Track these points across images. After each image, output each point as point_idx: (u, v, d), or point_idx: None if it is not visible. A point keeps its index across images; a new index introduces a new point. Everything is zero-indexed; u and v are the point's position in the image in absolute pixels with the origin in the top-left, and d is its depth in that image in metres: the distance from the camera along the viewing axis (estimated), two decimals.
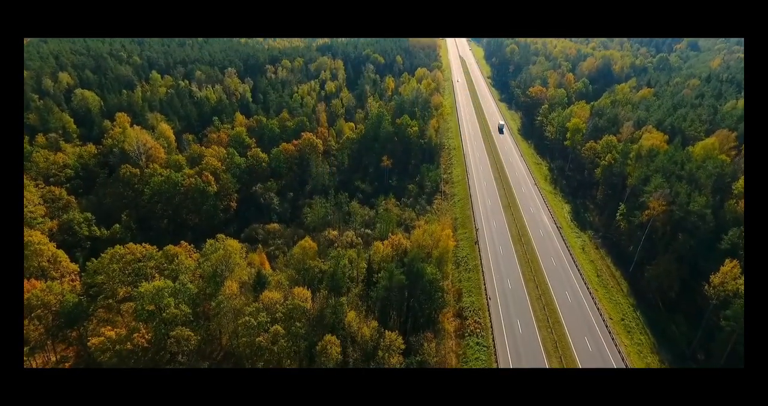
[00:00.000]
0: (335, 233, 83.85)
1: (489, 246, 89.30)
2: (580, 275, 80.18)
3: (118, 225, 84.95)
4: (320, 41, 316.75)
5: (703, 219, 69.17)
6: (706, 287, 61.07)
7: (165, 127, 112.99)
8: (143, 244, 66.60)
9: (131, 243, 65.86)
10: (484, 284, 77.34)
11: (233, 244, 63.88)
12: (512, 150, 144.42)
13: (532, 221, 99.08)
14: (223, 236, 70.74)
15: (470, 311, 72.20)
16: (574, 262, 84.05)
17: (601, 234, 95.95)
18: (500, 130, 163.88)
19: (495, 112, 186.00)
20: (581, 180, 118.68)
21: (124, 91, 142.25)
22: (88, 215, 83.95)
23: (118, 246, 64.68)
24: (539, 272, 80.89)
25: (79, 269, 71.28)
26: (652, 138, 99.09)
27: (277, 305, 53.11)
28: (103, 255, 64.66)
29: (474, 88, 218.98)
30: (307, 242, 65.68)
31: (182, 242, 69.40)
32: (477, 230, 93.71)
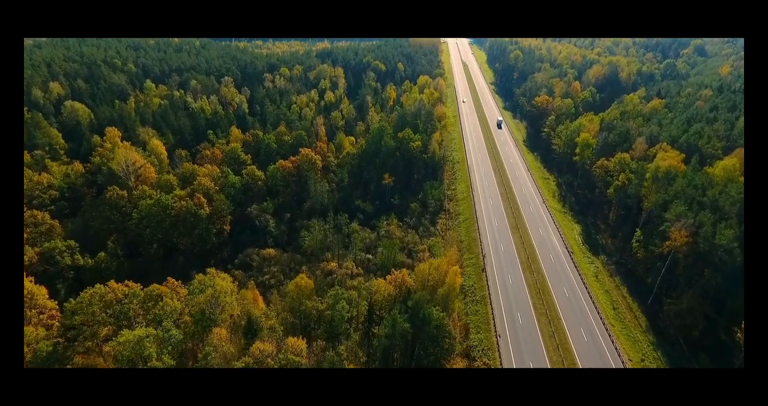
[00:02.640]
0: (334, 263, 78.92)
1: (497, 274, 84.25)
2: (595, 308, 75.08)
3: (103, 253, 79.97)
4: (320, 46, 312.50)
5: (731, 253, 64.10)
6: (738, 334, 56.04)
7: (157, 143, 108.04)
8: (126, 282, 61.54)
9: (113, 281, 60.81)
10: (493, 319, 72.31)
11: (222, 283, 58.85)
12: (518, 163, 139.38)
13: (541, 244, 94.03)
14: (214, 271, 65.68)
15: (479, 351, 67.16)
16: (588, 292, 78.97)
17: (615, 259, 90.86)
18: (498, 126, 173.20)
19: (503, 127, 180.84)
20: (592, 198, 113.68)
21: (117, 101, 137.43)
22: (71, 242, 78.93)
23: (98, 285, 59.60)
24: (551, 304, 75.81)
25: (58, 306, 66.22)
26: (667, 157, 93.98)
27: (269, 360, 48.13)
28: (82, 294, 59.69)
29: (477, 96, 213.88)
30: (303, 280, 60.67)
31: (169, 278, 64.31)
32: (484, 256, 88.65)
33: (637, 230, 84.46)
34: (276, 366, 47.53)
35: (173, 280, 63.94)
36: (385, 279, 66.51)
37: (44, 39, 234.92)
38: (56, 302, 66.01)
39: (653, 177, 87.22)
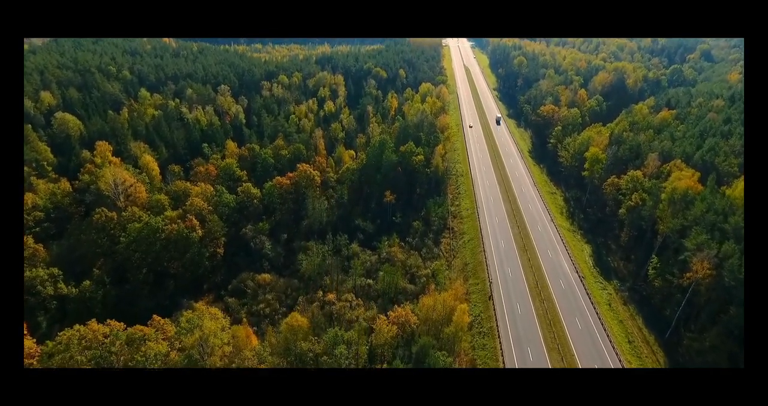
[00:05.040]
0: (332, 294, 74.58)
1: (505, 302, 79.71)
2: (610, 342, 70.53)
3: (88, 282, 75.56)
4: (320, 50, 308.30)
5: None
6: None
7: (149, 160, 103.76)
8: (108, 321, 57.19)
9: (93, 321, 56.46)
10: (502, 356, 67.78)
11: (211, 324, 54.43)
12: (524, 176, 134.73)
13: (551, 268, 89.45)
14: (203, 307, 61.33)
15: None
16: (602, 324, 74.41)
17: (628, 285, 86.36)
18: (497, 122, 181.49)
19: (504, 131, 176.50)
20: (602, 217, 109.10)
21: (110, 112, 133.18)
22: (55, 270, 74.57)
23: (77, 326, 55.36)
24: (563, 337, 71.28)
25: (38, 342, 61.85)
26: (683, 177, 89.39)
27: None
28: (60, 335, 55.51)
29: (481, 104, 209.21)
30: (295, 319, 56.24)
31: (154, 316, 59.80)
32: (491, 283, 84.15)
33: (654, 256, 79.88)
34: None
35: (159, 318, 59.46)
36: (386, 315, 62.06)
37: (39, 44, 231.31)
38: (35, 340, 61.64)
39: (669, 199, 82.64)
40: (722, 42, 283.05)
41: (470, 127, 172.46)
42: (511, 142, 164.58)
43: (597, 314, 76.79)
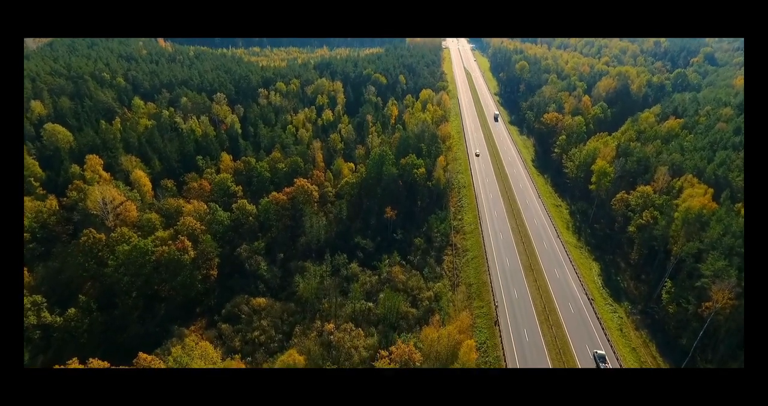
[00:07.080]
0: (331, 325, 70.78)
1: (512, 328, 76.00)
2: None
3: (74, 309, 71.79)
4: (318, 53, 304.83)
5: None
6: None
7: (140, 175, 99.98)
8: (90, 360, 53.55)
9: (75, 360, 52.91)
10: None
11: (200, 365, 50.79)
12: (528, 188, 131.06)
13: (558, 289, 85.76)
14: (193, 342, 57.61)
15: None
16: (614, 353, 70.71)
17: (639, 308, 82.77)
18: (495, 119, 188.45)
19: (506, 137, 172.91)
20: (610, 233, 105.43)
21: (102, 122, 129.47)
22: (38, 298, 70.77)
23: (57, 367, 51.64)
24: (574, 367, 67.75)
25: None
26: (695, 194, 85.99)
27: None
28: None
29: (483, 110, 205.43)
30: (292, 357, 52.63)
31: (140, 353, 55.99)
32: (497, 306, 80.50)
33: (667, 279, 76.25)
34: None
35: (145, 355, 55.73)
36: (388, 350, 58.42)
37: (33, 47, 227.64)
38: None
39: (683, 219, 79.01)
40: (725, 44, 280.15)
41: (477, 155, 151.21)
42: (513, 149, 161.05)
43: (609, 341, 73.11)
